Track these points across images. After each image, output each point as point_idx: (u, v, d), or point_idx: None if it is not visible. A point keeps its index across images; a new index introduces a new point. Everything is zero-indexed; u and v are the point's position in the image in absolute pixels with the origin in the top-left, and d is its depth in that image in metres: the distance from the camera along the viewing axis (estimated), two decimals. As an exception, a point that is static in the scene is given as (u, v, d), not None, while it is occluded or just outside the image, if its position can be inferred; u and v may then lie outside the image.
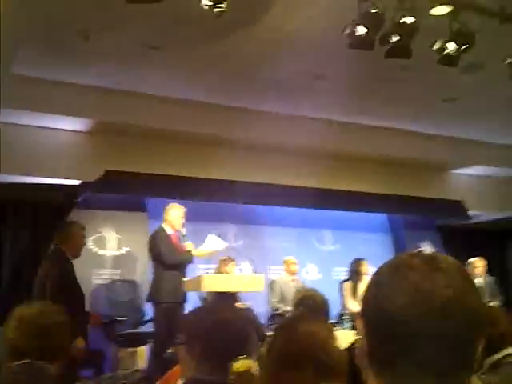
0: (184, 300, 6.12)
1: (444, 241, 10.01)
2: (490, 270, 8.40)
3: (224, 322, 2.12)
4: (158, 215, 6.56)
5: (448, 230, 10.19)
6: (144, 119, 7.00)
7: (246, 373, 1.97)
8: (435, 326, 0.93)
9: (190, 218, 6.46)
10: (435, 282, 0.95)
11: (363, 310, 1.03)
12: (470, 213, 9.81)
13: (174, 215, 6.29)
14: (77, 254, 5.45)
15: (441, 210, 9.68)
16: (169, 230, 6.27)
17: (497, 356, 2.62)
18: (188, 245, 6.20)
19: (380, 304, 0.97)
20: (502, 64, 5.04)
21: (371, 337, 1.00)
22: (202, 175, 7.72)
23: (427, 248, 9.85)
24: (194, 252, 6.22)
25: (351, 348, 2.98)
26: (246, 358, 2.01)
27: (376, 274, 1.04)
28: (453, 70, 5.17)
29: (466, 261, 8.38)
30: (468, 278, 0.99)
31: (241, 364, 1.98)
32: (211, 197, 7.60)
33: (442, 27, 4.45)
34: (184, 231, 6.25)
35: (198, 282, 5.64)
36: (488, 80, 6.44)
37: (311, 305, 3.49)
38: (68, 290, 5.03)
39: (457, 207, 9.75)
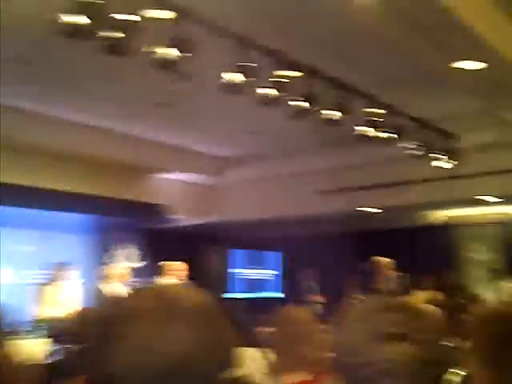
0: None
1: (146, 243, 10.12)
2: (190, 273, 8.70)
3: None
4: None
5: (151, 232, 10.35)
6: None
7: None
8: None
9: None
10: (170, 334, 0.76)
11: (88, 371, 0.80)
12: (173, 217, 10.12)
13: None
14: None
15: (144, 212, 9.81)
16: None
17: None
18: None
19: (103, 364, 0.75)
20: (213, 75, 5.21)
21: None
22: None
23: (130, 250, 9.86)
24: None
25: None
26: None
27: (104, 319, 0.80)
28: (167, 76, 5.19)
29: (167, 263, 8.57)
30: (214, 321, 0.82)
31: None
32: None
33: (166, 31, 4.42)
34: None
35: None
36: (198, 89, 6.66)
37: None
38: None
39: (159, 210, 9.97)
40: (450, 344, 3.61)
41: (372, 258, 9.48)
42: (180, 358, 0.75)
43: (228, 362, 0.82)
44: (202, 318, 0.80)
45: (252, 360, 3.20)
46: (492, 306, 1.62)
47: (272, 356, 2.80)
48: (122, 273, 8.00)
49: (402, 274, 9.35)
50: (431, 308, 3.92)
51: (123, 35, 4.20)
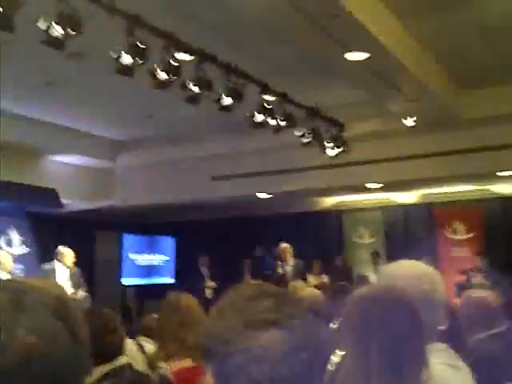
0: None
1: (35, 228, 9.69)
2: (79, 260, 8.41)
3: None
4: None
5: (39, 217, 9.92)
6: None
7: None
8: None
9: None
10: (16, 328, 0.75)
11: None
12: (63, 201, 9.74)
13: None
14: None
15: (32, 196, 9.36)
16: None
17: (109, 366, 2.42)
18: None
19: None
20: (105, 56, 5.04)
21: None
22: None
23: (13, 236, 9.41)
24: None
25: None
26: None
27: None
28: (57, 54, 4.97)
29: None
30: (65, 315, 0.79)
31: None
32: None
33: (53, 7, 4.21)
34: None
35: None
36: (90, 70, 6.44)
37: None
38: None
39: (49, 194, 9.56)
40: (334, 326, 3.75)
41: (280, 244, 9.66)
42: (23, 353, 0.73)
43: (80, 357, 0.79)
44: (51, 311, 0.78)
45: (135, 348, 3.17)
46: (361, 289, 1.69)
47: (157, 343, 2.79)
48: (3, 259, 7.62)
49: (296, 259, 9.58)
50: (315, 292, 4.05)
51: (5, 9, 3.96)
